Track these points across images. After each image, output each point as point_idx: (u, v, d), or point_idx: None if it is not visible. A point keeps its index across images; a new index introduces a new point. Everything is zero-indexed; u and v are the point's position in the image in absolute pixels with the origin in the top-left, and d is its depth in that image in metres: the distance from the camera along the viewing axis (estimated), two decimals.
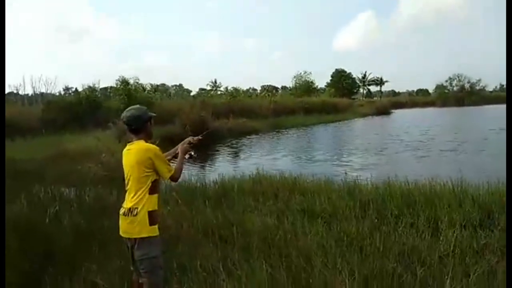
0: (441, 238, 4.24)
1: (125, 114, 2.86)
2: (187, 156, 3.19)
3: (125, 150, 2.91)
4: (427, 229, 4.58)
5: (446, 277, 3.23)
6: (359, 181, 7.03)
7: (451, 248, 3.91)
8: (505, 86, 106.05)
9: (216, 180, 7.88)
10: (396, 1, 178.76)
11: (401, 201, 5.54)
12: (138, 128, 2.85)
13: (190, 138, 3.32)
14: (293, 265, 3.57)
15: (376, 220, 4.91)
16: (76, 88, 42.78)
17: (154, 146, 2.85)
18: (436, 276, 3.32)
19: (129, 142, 2.92)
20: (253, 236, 4.35)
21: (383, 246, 3.94)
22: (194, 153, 3.25)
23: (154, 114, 3.00)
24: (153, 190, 2.81)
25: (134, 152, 2.81)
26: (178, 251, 4.10)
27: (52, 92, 33.25)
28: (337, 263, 3.47)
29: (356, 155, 15.09)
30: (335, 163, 13.59)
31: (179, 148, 3.18)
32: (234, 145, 20.69)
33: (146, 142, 2.86)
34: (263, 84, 77.18)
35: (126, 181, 2.87)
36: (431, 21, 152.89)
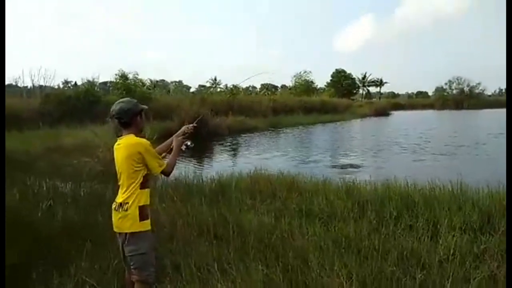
0: (440, 242, 4.16)
1: (114, 107, 2.78)
2: (183, 147, 3.09)
3: (115, 145, 2.84)
4: (426, 232, 4.49)
5: (446, 281, 3.16)
6: (357, 181, 6.94)
7: (451, 252, 3.83)
8: (504, 91, 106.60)
9: (214, 177, 7.78)
10: (397, 4, 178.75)
11: (400, 203, 5.46)
12: (127, 121, 2.77)
13: (184, 128, 3.23)
14: (289, 266, 3.49)
15: (374, 222, 4.84)
16: (75, 82, 42.56)
17: (144, 140, 2.77)
18: (436, 280, 3.25)
19: (119, 136, 2.84)
20: (249, 236, 4.26)
21: (382, 248, 3.87)
22: (191, 143, 3.12)
23: (145, 107, 2.91)
24: (144, 184, 2.76)
25: (123, 147, 2.74)
26: (171, 249, 4.01)
27: (51, 85, 32.98)
28: (334, 265, 3.38)
29: (354, 156, 15.02)
30: (333, 163, 13.52)
31: (174, 140, 3.09)
32: (233, 143, 20.61)
33: (137, 136, 2.78)
34: (263, 82, 77.03)
35: (118, 176, 2.82)
36: (432, 24, 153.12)
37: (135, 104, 2.81)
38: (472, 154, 14.63)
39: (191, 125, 3.27)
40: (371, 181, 6.79)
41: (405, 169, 11.15)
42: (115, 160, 2.82)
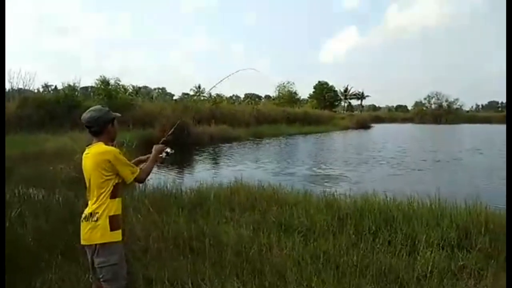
0: (418, 258, 4.14)
1: (84, 115, 2.71)
2: (163, 154, 3.01)
3: (84, 154, 2.74)
4: (404, 248, 4.48)
5: None
6: (337, 194, 6.92)
7: (429, 269, 3.82)
8: (480, 107, 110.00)
9: (193, 187, 7.65)
10: (380, 18, 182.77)
11: (379, 217, 5.44)
12: (97, 130, 2.70)
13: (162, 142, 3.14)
14: (266, 282, 3.41)
15: (353, 236, 4.80)
16: (55, 86, 41.62)
17: (112, 148, 2.69)
18: None
19: (88, 145, 2.75)
20: (226, 249, 4.16)
21: (360, 264, 3.82)
22: (171, 150, 3.05)
23: (118, 115, 2.84)
24: (114, 194, 2.67)
25: (91, 156, 2.66)
26: (145, 262, 3.87)
27: (31, 88, 32.16)
28: (312, 282, 3.32)
29: (335, 168, 15.07)
30: (314, 174, 13.53)
31: (153, 148, 3.01)
32: (214, 152, 20.46)
33: (107, 144, 2.71)
34: (247, 92, 77.25)
35: (87, 186, 2.72)
36: (414, 38, 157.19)
37: (106, 113, 2.73)
38: (449, 169, 14.88)
39: (167, 135, 3.19)
40: (350, 194, 6.79)
41: (384, 182, 11.26)
42: (83, 169, 2.73)
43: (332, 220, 5.32)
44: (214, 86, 3.52)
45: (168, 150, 3.03)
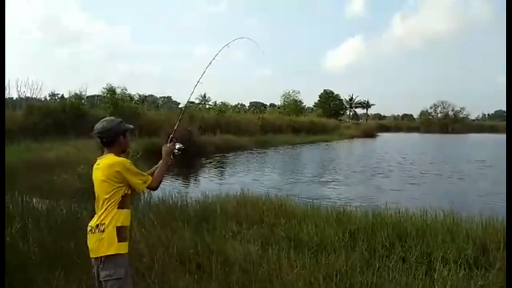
0: (435, 277, 3.94)
1: (97, 125, 2.71)
2: (175, 151, 2.97)
3: (95, 165, 2.71)
4: (420, 266, 4.29)
5: None
6: (347, 208, 6.71)
7: None
8: (487, 116, 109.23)
9: (198, 199, 7.49)
10: (386, 27, 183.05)
11: (392, 232, 5.25)
12: (109, 141, 2.69)
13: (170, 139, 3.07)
14: None
15: (366, 253, 4.60)
16: (62, 95, 41.81)
17: (122, 159, 2.65)
18: None
19: (99, 157, 2.72)
20: (234, 266, 3.98)
21: (375, 284, 3.63)
22: (181, 146, 3.02)
23: (131, 127, 2.81)
24: (122, 204, 2.62)
25: (101, 168, 2.64)
26: (149, 281, 3.70)
27: (38, 97, 32.31)
28: None
29: (342, 179, 14.84)
30: (321, 186, 13.31)
31: (162, 150, 2.94)
32: (220, 161, 20.32)
33: (118, 155, 2.67)
34: (252, 100, 77.27)
35: (96, 197, 2.67)
36: (419, 47, 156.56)
37: (118, 124, 2.72)
38: (460, 181, 14.58)
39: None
40: (361, 208, 6.60)
41: (394, 194, 11.03)
42: (94, 180, 2.69)
43: (343, 235, 5.13)
44: (210, 63, 3.30)
45: (178, 146, 3.00)
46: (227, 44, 3.91)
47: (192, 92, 3.66)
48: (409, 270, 4.12)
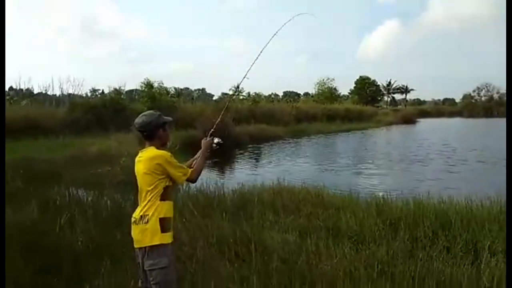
0: (482, 268, 3.78)
1: (137, 120, 2.77)
2: (214, 145, 3.04)
3: (137, 157, 2.79)
4: (465, 256, 4.14)
5: None
6: (387, 197, 6.54)
7: (495, 281, 3.46)
8: None
9: (235, 189, 7.56)
10: (422, 9, 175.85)
11: (435, 221, 5.09)
12: (149, 134, 2.75)
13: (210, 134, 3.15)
14: None
15: (408, 243, 4.49)
16: (102, 90, 43.40)
17: (163, 151, 2.71)
18: None
19: (141, 150, 2.80)
20: (272, 256, 4.00)
21: (418, 275, 3.52)
22: (220, 140, 3.09)
23: (169, 119, 2.87)
24: (164, 196, 2.68)
25: (143, 160, 2.70)
26: (191, 269, 3.79)
27: (79, 93, 33.76)
28: None
29: (381, 168, 14.49)
30: (357, 175, 13.07)
31: (202, 143, 3.03)
32: (254, 151, 20.40)
33: (159, 148, 2.73)
34: (286, 89, 76.68)
35: (139, 190, 2.75)
36: (458, 29, 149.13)
37: (157, 117, 2.78)
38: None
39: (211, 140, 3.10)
40: (402, 197, 6.41)
41: (437, 183, 10.64)
42: (136, 173, 2.76)
43: (384, 225, 5.02)
44: (268, 43, 3.46)
45: (216, 140, 3.06)
46: (286, 23, 4.15)
47: (238, 86, 3.81)
48: (454, 260, 3.99)
